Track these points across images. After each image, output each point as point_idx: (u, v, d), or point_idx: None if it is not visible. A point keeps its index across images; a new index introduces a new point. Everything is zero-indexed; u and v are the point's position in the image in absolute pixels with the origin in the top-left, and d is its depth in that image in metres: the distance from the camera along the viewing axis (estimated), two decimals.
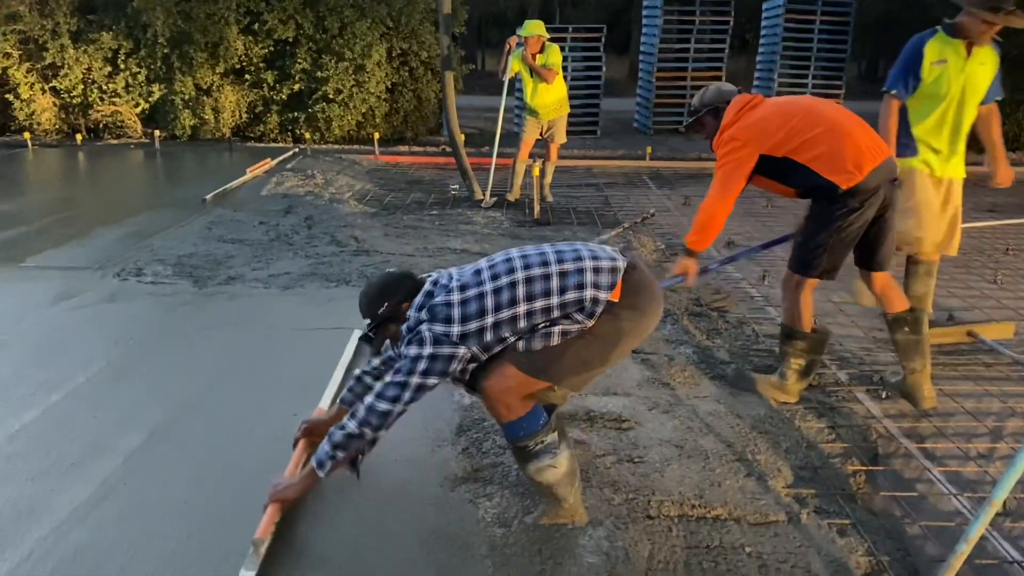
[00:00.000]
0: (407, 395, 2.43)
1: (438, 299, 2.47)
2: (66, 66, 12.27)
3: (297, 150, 11.59)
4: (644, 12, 15.24)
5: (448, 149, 10.42)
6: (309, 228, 6.82)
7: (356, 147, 12.34)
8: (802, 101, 3.47)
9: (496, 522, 2.64)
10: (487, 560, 2.45)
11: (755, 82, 15.35)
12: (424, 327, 2.44)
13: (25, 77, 12.34)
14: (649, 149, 11.45)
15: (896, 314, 3.64)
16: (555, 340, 2.48)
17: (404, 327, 2.54)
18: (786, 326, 3.66)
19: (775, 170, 3.40)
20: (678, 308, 4.85)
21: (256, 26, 12.32)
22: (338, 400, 2.98)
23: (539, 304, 2.44)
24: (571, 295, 2.44)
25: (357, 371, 2.93)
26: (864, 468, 3.09)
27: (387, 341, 2.78)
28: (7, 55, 12.23)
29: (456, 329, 2.41)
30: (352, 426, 2.46)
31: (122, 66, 12.35)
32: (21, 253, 5.89)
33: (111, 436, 3.18)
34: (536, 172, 7.74)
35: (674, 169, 10.85)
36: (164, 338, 4.30)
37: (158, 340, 4.27)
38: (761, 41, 15.39)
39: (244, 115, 12.81)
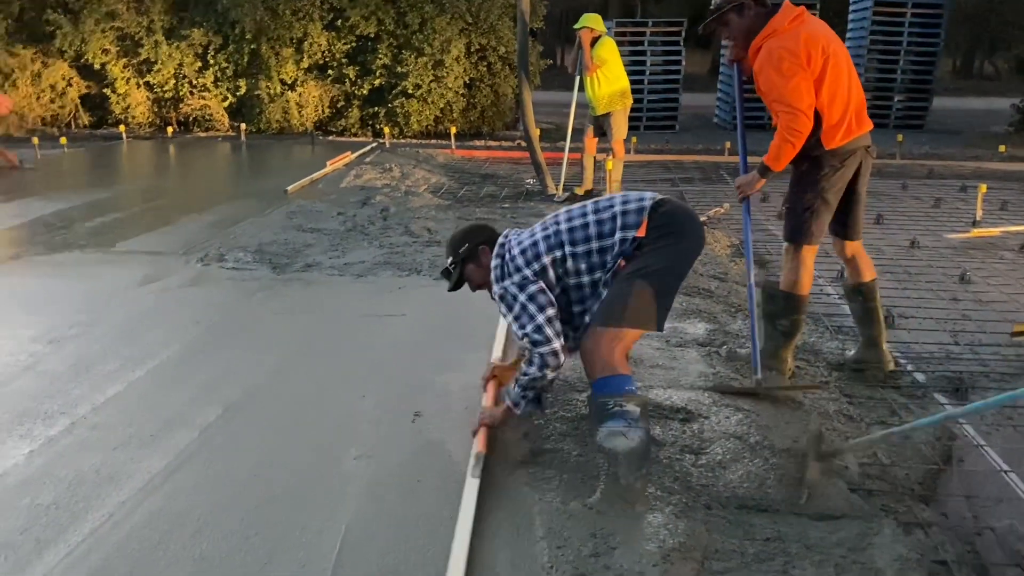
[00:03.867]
0: (548, 331, 2.81)
1: (505, 256, 2.95)
2: (159, 61, 12.79)
3: (376, 144, 11.81)
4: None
5: (523, 144, 10.47)
6: (384, 219, 6.95)
7: (433, 142, 12.51)
8: (837, 41, 3.45)
9: (553, 505, 2.65)
10: (543, 542, 2.47)
11: None
12: (507, 282, 2.90)
13: (122, 72, 12.92)
14: (728, 144, 11.26)
15: (862, 283, 3.80)
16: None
17: (492, 276, 2.98)
18: (781, 291, 3.72)
19: None
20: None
21: (339, 22, 12.61)
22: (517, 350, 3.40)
23: (581, 248, 2.87)
24: (607, 240, 2.85)
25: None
26: (935, 467, 2.99)
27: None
28: (106, 51, 12.81)
29: (528, 271, 2.88)
30: (532, 370, 2.85)
31: (211, 61, 12.81)
32: (112, 238, 6.18)
33: (188, 411, 3.32)
34: (609, 166, 7.72)
35: (754, 164, 10.62)
36: (242, 320, 4.46)
37: (236, 322, 4.43)
38: (848, 35, 14.95)
39: (326, 110, 13.12)
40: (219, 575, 2.34)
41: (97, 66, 12.90)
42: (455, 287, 3.18)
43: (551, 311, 2.85)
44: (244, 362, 3.85)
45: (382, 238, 6.27)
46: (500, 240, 3.05)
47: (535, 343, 2.82)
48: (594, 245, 2.87)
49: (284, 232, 6.38)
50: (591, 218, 2.91)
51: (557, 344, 2.83)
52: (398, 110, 12.66)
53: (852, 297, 3.90)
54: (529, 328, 2.82)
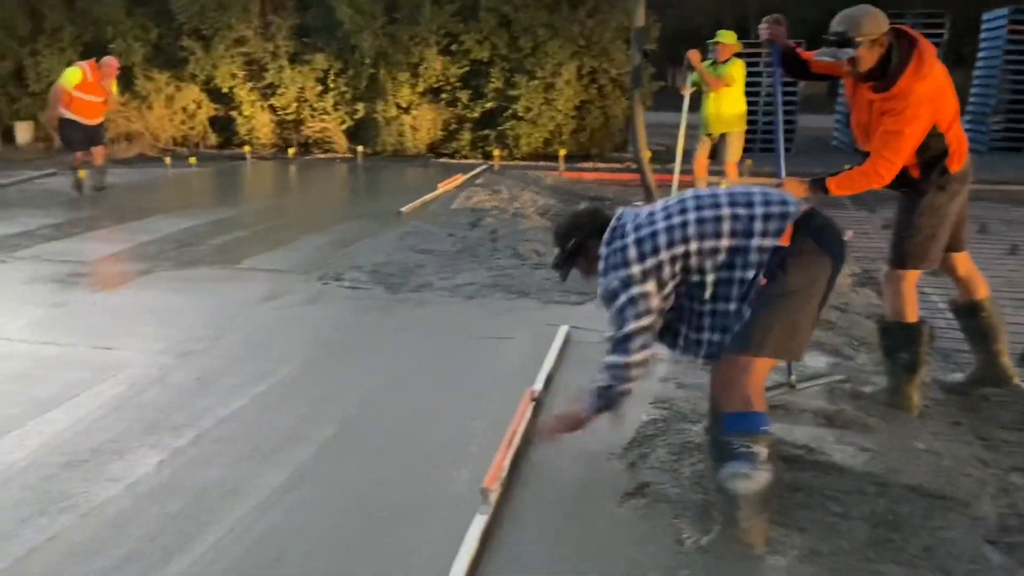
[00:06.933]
0: (632, 344, 2.59)
1: (615, 244, 2.64)
2: (283, 85, 13.36)
3: (485, 166, 11.96)
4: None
5: (633, 165, 10.39)
6: (493, 241, 7.00)
7: (541, 163, 12.56)
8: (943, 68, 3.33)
9: (666, 545, 2.58)
10: None
11: (971, 98, 14.19)
12: (611, 277, 2.62)
13: (248, 95, 13.55)
14: (847, 167, 10.84)
15: (978, 300, 3.65)
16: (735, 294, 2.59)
17: (599, 268, 2.70)
18: (889, 321, 3.61)
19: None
20: (874, 337, 4.55)
21: (454, 47, 12.86)
22: None
23: (708, 244, 2.56)
24: (741, 241, 2.54)
25: None
26: None
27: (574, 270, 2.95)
28: (233, 75, 13.47)
29: (636, 269, 2.57)
30: (603, 378, 2.66)
31: (331, 85, 13.28)
32: (238, 255, 6.45)
33: (306, 426, 3.41)
34: (723, 187, 7.56)
35: (874, 190, 10.19)
36: (358, 339, 4.56)
37: (352, 340, 4.54)
38: (980, 55, 14.22)
39: (439, 132, 13.38)
40: None
41: (225, 89, 13.57)
42: (564, 278, 2.95)
43: (646, 321, 2.59)
44: (359, 379, 3.93)
45: (491, 260, 6.32)
46: (613, 224, 2.73)
47: (614, 350, 2.62)
48: (724, 243, 2.56)
49: (397, 252, 6.51)
50: (726, 211, 2.57)
51: (635, 358, 2.60)
52: (508, 132, 12.80)
53: (968, 315, 3.75)
54: (617, 333, 2.61)
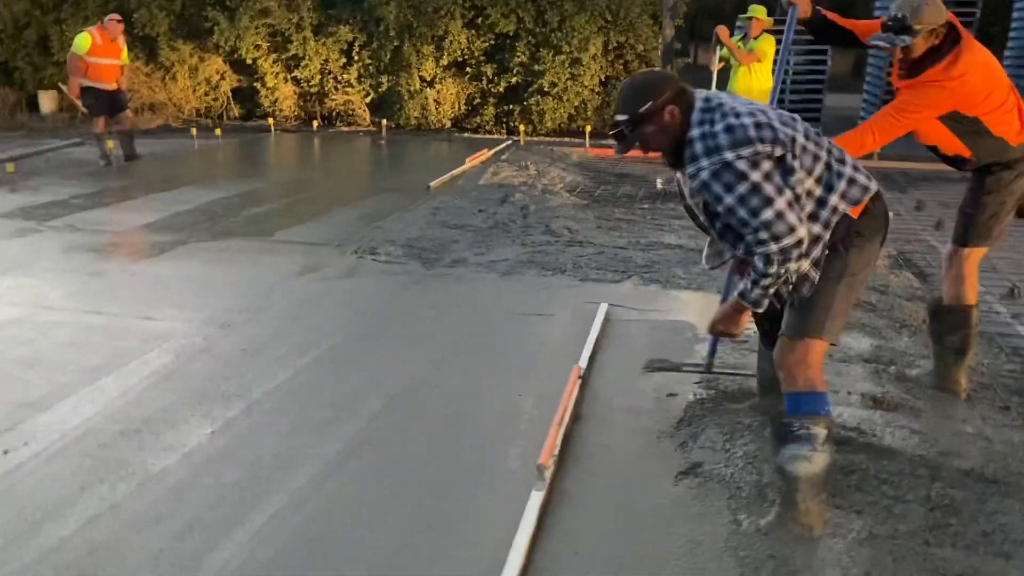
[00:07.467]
0: (791, 216, 2.31)
1: (729, 121, 2.35)
2: (307, 57, 13.28)
3: (511, 141, 11.90)
4: (876, 3, 14.31)
5: None
6: (524, 217, 6.98)
7: (566, 139, 12.49)
8: (994, 61, 3.27)
9: (724, 525, 2.59)
10: (727, 556, 2.41)
11: None
12: (730, 156, 2.30)
13: (271, 67, 13.48)
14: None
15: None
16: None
17: (695, 150, 2.37)
18: (943, 305, 3.59)
19: (959, 125, 3.24)
20: (915, 319, 4.53)
21: (479, 20, 12.75)
22: None
23: (799, 179, 2.39)
24: (821, 190, 2.44)
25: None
26: None
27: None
28: (257, 47, 13.40)
29: (761, 148, 2.32)
30: (772, 269, 2.37)
31: (356, 57, 13.19)
32: (271, 228, 6.46)
33: (354, 400, 3.43)
34: None
35: (904, 170, 10.10)
36: (398, 313, 4.57)
37: (392, 315, 4.55)
38: (1011, 35, 13.97)
39: (462, 107, 13.31)
40: (392, 567, 2.40)
41: (249, 61, 13.50)
42: (626, 150, 2.54)
43: (791, 194, 2.33)
44: (403, 354, 3.94)
45: (524, 236, 6.30)
46: (701, 103, 2.43)
47: (775, 236, 2.29)
48: (809, 183, 2.41)
49: (430, 228, 6.50)
50: (823, 155, 2.44)
51: (803, 231, 2.32)
52: (533, 108, 12.71)
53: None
54: (768, 214, 2.29)
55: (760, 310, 2.51)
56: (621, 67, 12.90)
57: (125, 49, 9.27)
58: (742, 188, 2.30)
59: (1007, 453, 3.07)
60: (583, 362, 3.72)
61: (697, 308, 4.63)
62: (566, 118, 12.84)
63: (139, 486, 2.77)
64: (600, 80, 12.80)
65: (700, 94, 2.48)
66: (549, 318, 4.47)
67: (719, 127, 2.36)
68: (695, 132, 2.39)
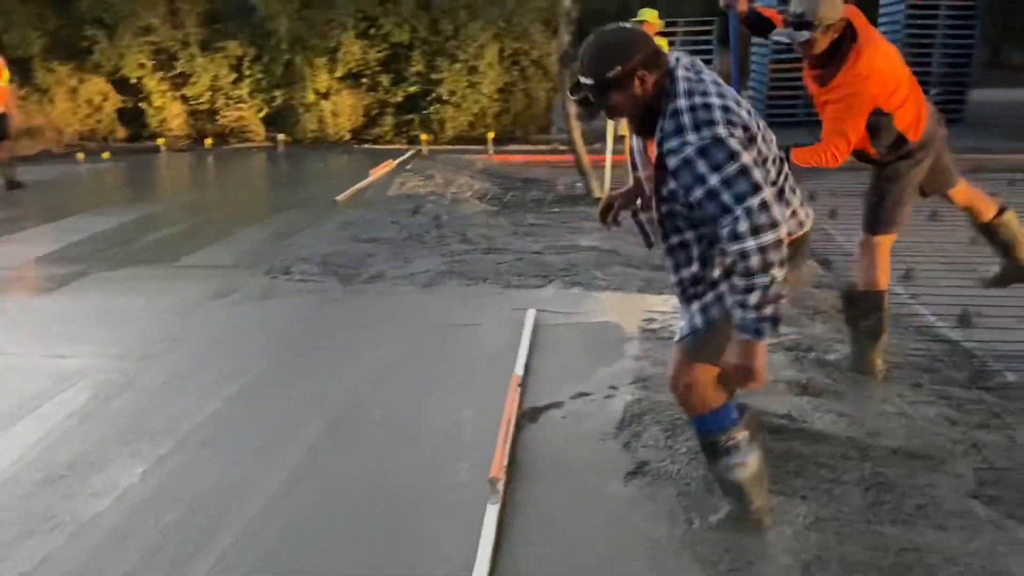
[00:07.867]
0: (775, 209, 2.05)
1: (704, 100, 2.11)
2: (195, 74, 12.87)
3: (414, 151, 11.83)
4: (757, 3, 14.89)
5: (560, 147, 10.46)
6: (439, 227, 6.95)
7: (469, 147, 12.51)
8: (891, 48, 3.45)
9: (678, 518, 2.64)
10: (684, 553, 2.46)
11: None
12: (721, 131, 2.07)
13: (158, 86, 13.01)
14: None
15: (989, 222, 3.77)
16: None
17: (681, 122, 2.11)
18: (857, 291, 3.75)
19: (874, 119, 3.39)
20: (826, 305, 4.74)
21: (372, 31, 12.64)
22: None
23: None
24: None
25: None
26: None
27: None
28: (142, 65, 12.91)
29: (742, 133, 2.12)
30: (760, 280, 2.05)
31: (247, 72, 12.88)
32: (175, 253, 6.22)
33: (292, 425, 3.33)
34: None
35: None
36: (322, 333, 4.48)
37: (317, 335, 4.45)
38: (880, 29, 14.81)
39: (360, 118, 13.16)
40: None
41: (133, 80, 12.99)
42: (592, 118, 2.34)
43: (775, 189, 2.17)
44: (335, 375, 3.86)
45: (440, 247, 6.27)
46: (686, 70, 2.18)
47: (755, 227, 2.01)
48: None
49: (342, 243, 6.40)
50: (772, 168, 2.26)
51: (784, 231, 2.06)
52: (432, 117, 12.69)
53: (990, 233, 3.84)
54: (754, 201, 2.02)
55: (769, 340, 2.13)
56: (518, 73, 13.04)
57: (6, 70, 8.77)
58: (731, 168, 2.04)
59: (927, 428, 3.24)
60: (519, 369, 3.74)
61: (621, 309, 4.72)
62: (466, 126, 12.87)
63: (71, 536, 2.62)
64: (498, 87, 12.88)
65: (683, 59, 2.23)
66: (478, 328, 4.46)
67: (714, 99, 2.12)
68: (682, 103, 2.12)
